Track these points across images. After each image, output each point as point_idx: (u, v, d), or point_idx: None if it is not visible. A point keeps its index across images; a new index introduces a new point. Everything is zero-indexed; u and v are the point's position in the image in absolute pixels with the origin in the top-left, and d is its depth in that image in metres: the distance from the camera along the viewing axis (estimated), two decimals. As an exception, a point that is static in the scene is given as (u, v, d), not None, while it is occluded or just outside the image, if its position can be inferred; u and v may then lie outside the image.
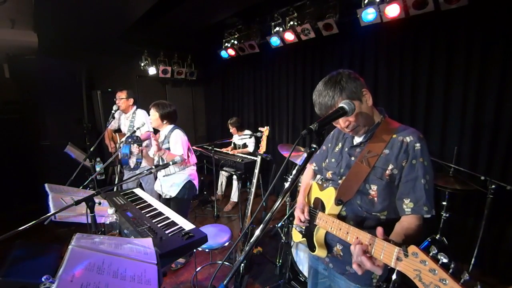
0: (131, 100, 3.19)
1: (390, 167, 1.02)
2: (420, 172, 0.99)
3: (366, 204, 1.08)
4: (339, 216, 1.13)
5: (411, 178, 1.00)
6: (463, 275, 0.61)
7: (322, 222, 1.12)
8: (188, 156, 2.42)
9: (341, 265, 1.16)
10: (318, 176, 1.42)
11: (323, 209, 1.17)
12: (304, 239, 1.27)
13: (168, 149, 2.38)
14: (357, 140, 1.15)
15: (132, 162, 2.96)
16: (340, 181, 1.15)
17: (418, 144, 1.00)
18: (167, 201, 2.50)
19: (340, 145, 1.23)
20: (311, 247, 1.21)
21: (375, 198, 1.06)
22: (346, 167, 1.15)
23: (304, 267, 2.22)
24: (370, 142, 1.09)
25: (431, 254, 0.68)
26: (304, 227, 1.27)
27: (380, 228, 0.84)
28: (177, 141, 2.35)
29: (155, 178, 2.80)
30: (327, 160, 1.29)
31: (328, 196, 1.16)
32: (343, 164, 1.17)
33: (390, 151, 1.04)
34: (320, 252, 1.19)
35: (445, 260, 0.65)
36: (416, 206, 0.99)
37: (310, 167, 1.45)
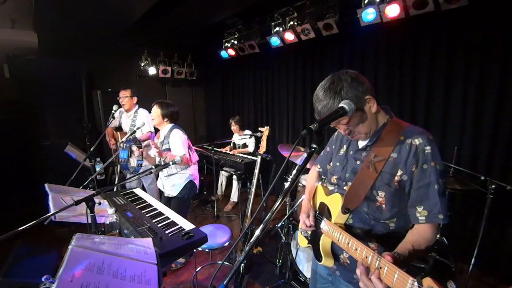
0: (135, 99, 3.20)
1: (399, 172, 0.96)
2: (432, 177, 0.93)
3: (374, 211, 1.03)
4: (346, 225, 1.08)
5: (424, 184, 0.94)
6: None
7: (329, 230, 1.07)
8: (189, 155, 2.42)
9: (348, 273, 1.11)
10: (324, 178, 1.39)
11: (329, 215, 1.13)
12: (310, 245, 1.23)
13: (169, 149, 2.38)
14: (362, 143, 1.09)
15: (133, 163, 2.95)
16: (345, 187, 1.10)
17: (428, 147, 0.93)
18: (168, 200, 2.50)
19: (344, 147, 1.18)
20: (318, 256, 1.16)
21: (383, 205, 1.01)
22: (351, 172, 1.10)
23: (304, 267, 2.22)
24: (376, 145, 1.03)
25: None
26: (309, 232, 1.22)
27: (387, 255, 0.78)
28: (177, 141, 2.34)
29: (157, 177, 2.80)
30: (331, 163, 1.23)
31: (335, 203, 1.11)
32: (349, 169, 1.11)
33: (398, 155, 0.98)
34: (327, 262, 1.14)
35: None
36: (431, 214, 0.93)
37: (315, 169, 1.40)
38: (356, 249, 0.91)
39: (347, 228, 1.08)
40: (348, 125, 0.99)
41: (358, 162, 1.09)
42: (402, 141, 0.98)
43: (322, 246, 1.12)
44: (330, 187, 1.22)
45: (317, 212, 1.22)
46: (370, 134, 1.04)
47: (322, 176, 1.38)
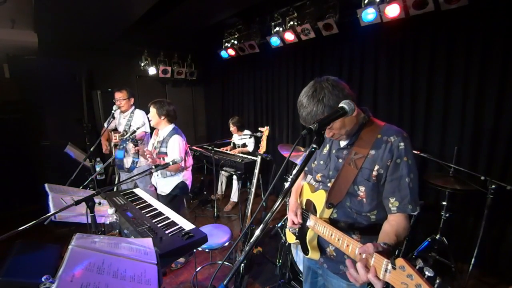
0: (132, 100, 3.18)
1: (376, 167, 1.04)
2: (404, 171, 1.01)
3: (356, 205, 1.10)
4: (331, 219, 1.14)
5: (396, 177, 1.02)
6: None
7: (314, 225, 1.13)
8: (185, 160, 2.43)
9: (335, 264, 1.17)
10: (310, 177, 1.43)
11: (315, 211, 1.18)
12: (298, 241, 1.28)
13: (165, 153, 2.38)
14: (344, 142, 1.17)
15: (128, 162, 2.94)
16: (329, 184, 1.16)
17: (402, 144, 1.02)
18: (161, 198, 2.52)
19: (328, 147, 1.25)
20: (305, 250, 1.22)
21: (364, 199, 1.08)
22: (334, 169, 1.16)
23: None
24: (356, 144, 1.11)
25: (417, 267, 0.69)
26: (297, 229, 1.27)
27: (369, 245, 0.82)
28: (175, 148, 2.34)
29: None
30: (316, 162, 1.30)
31: (319, 199, 1.17)
32: (332, 167, 1.18)
33: (375, 151, 1.05)
34: (314, 255, 1.20)
35: (430, 275, 0.67)
36: (401, 204, 1.01)
37: None
38: (338, 240, 0.98)
39: (332, 222, 1.14)
40: (331, 129, 1.05)
41: (340, 160, 1.16)
42: (380, 139, 1.06)
43: (309, 240, 1.19)
44: (315, 185, 1.28)
45: (304, 208, 1.27)
46: (351, 134, 1.12)
47: (308, 175, 1.42)
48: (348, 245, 0.93)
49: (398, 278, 0.71)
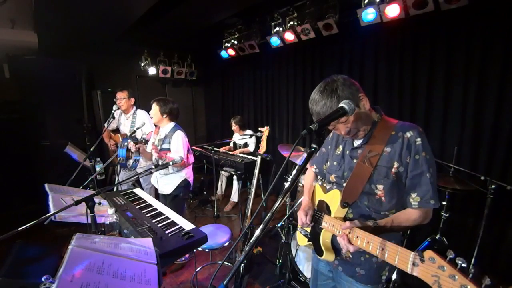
0: (132, 100, 3.19)
1: (396, 164, 1.03)
2: (424, 167, 1.00)
3: (374, 204, 1.08)
4: (346, 219, 1.12)
5: (417, 174, 1.01)
6: (484, 280, 0.59)
7: (329, 225, 1.11)
8: (187, 157, 2.43)
9: (351, 267, 1.15)
10: (320, 178, 1.42)
11: (328, 211, 1.16)
12: (310, 243, 1.26)
13: (168, 149, 2.38)
14: (357, 141, 1.14)
15: (130, 161, 2.94)
16: (344, 184, 1.14)
17: (419, 139, 1.01)
18: (162, 197, 2.52)
19: (340, 147, 1.23)
20: (319, 251, 1.20)
21: (383, 198, 1.06)
22: (349, 170, 1.14)
23: (304, 267, 2.22)
24: (369, 142, 1.09)
25: (448, 258, 0.66)
26: (309, 231, 1.25)
27: (347, 222, 0.98)
28: (179, 144, 2.35)
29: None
30: (328, 163, 1.28)
31: (333, 198, 1.15)
32: (346, 167, 1.16)
33: (391, 148, 1.04)
34: (328, 256, 1.17)
35: (463, 265, 0.64)
36: (423, 200, 1.01)
37: (311, 170, 1.43)
38: (357, 237, 0.96)
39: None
40: (347, 124, 1.03)
41: (354, 160, 1.14)
42: (394, 135, 1.05)
43: (323, 241, 1.16)
44: (328, 186, 1.26)
45: (316, 209, 1.25)
46: (367, 131, 1.09)
47: (319, 176, 1.41)
48: (368, 242, 0.91)
49: (428, 271, 0.69)
